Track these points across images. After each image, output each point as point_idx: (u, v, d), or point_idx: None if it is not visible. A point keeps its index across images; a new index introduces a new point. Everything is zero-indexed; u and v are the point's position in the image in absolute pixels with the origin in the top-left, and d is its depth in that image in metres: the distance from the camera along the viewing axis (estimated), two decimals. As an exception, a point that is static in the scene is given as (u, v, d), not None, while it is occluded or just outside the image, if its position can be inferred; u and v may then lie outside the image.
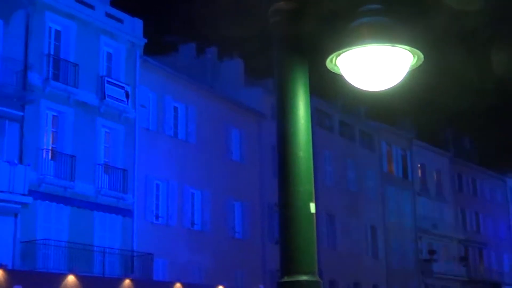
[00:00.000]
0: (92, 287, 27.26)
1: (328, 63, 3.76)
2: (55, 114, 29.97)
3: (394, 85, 3.81)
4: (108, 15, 33.04)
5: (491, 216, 63.77)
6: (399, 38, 3.62)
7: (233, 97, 39.32)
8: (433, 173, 57.15)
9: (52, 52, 30.32)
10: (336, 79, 3.90)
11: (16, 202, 26.76)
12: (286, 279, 3.70)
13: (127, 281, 29.01)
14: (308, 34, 3.87)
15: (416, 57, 3.73)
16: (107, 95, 31.54)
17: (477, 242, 60.47)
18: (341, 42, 3.64)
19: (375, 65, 3.62)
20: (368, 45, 3.59)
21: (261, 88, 40.64)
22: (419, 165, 55.38)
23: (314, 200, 3.76)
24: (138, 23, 34.40)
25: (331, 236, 43.56)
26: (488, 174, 64.65)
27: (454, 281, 55.23)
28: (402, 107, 49.32)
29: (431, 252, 53.15)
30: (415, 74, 4.03)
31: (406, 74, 3.80)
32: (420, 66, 3.83)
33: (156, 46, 39.43)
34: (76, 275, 26.82)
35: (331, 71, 3.84)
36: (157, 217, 33.90)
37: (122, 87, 32.34)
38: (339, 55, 3.69)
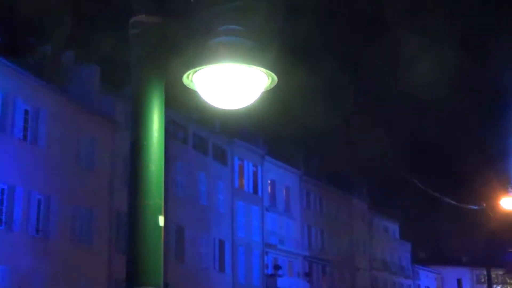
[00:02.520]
0: None
1: (185, 79, 3.80)
2: None
3: (247, 105, 3.91)
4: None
5: (335, 234, 65.79)
6: (256, 59, 3.71)
7: (87, 103, 38.57)
8: (282, 189, 58.34)
9: None
10: (193, 92, 3.95)
11: None
12: (131, 290, 3.70)
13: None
14: (167, 48, 3.90)
15: (270, 78, 3.84)
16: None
17: (321, 259, 62.19)
18: (198, 59, 3.69)
19: (230, 84, 3.70)
20: (225, 63, 3.66)
21: (117, 96, 40.10)
22: (269, 181, 56.38)
23: (163, 213, 3.79)
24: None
25: (179, 248, 43.45)
26: (335, 193, 66.75)
27: (297, 296, 56.53)
28: (255, 123, 50.17)
29: (277, 267, 54.16)
30: (271, 92, 4.15)
31: (260, 94, 3.90)
32: (273, 87, 3.95)
33: (12, 47, 38.13)
34: None
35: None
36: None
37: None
38: (195, 71, 3.75)
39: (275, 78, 3.84)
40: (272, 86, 3.91)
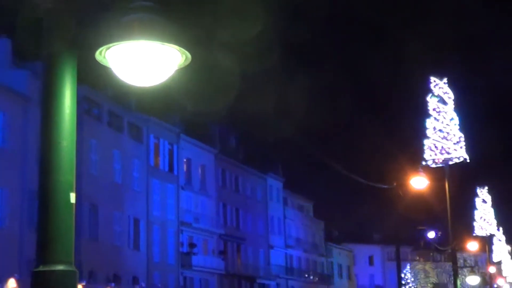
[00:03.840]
0: None
1: (97, 56, 3.77)
2: None
3: (161, 82, 3.90)
4: None
5: (251, 212, 66.32)
6: (169, 36, 3.71)
7: (-2, 78, 37.54)
8: (198, 168, 58.31)
9: None
10: (107, 69, 3.92)
11: None
12: (41, 268, 3.67)
13: None
14: (80, 23, 3.86)
15: (184, 56, 3.84)
16: None
17: (236, 237, 62.59)
18: (111, 35, 3.66)
19: (144, 61, 3.69)
20: (138, 40, 3.65)
21: (29, 70, 39.15)
22: (185, 160, 56.24)
23: (74, 190, 3.76)
24: None
25: (93, 227, 42.93)
26: (251, 172, 67.17)
27: (212, 274, 56.75)
28: (172, 101, 49.84)
29: (192, 245, 54.25)
30: (186, 69, 4.15)
31: (174, 72, 3.91)
32: (187, 65, 3.96)
33: None
34: None
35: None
36: None
37: None
38: (108, 48, 3.72)
39: (189, 56, 3.85)
40: (186, 64, 3.92)
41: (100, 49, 3.73)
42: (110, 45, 3.69)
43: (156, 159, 52.27)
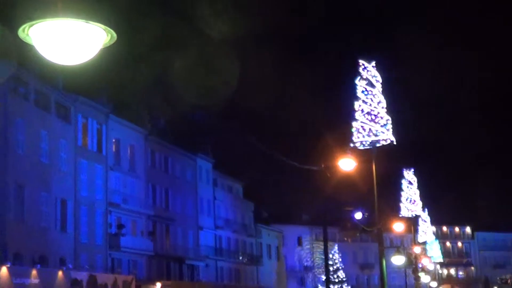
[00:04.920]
0: None
1: (20, 33, 3.71)
2: None
3: (86, 61, 3.86)
4: None
5: (180, 193, 66.18)
6: (94, 15, 3.67)
7: None
8: (127, 148, 57.81)
9: None
10: (32, 46, 3.85)
11: None
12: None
13: None
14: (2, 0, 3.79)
15: (109, 35, 3.81)
16: None
17: (165, 218, 62.40)
18: (34, 12, 3.60)
19: (68, 40, 3.64)
20: (62, 18, 3.60)
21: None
22: (114, 140, 55.68)
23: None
24: None
25: (18, 208, 42.18)
26: (180, 153, 66.98)
27: (141, 255, 56.48)
28: (101, 80, 49.19)
29: (120, 226, 53.86)
30: (116, 48, 4.11)
31: (99, 51, 3.87)
32: (113, 44, 3.92)
33: None
34: None
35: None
36: None
37: None
38: (31, 25, 3.66)
39: (114, 35, 3.82)
40: (111, 43, 3.88)
41: (23, 26, 3.67)
42: (33, 22, 3.63)
43: (85, 139, 51.57)
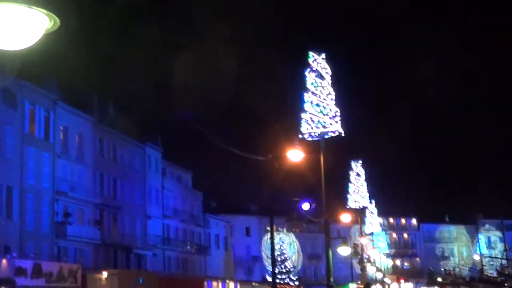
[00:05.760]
0: None
1: (-40, 16, 3.67)
2: None
3: (29, 46, 3.84)
4: None
5: (128, 182, 65.76)
6: (37, 0, 3.65)
7: None
8: (75, 136, 57.18)
9: None
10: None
11: None
12: None
13: None
14: None
15: (52, 21, 3.79)
16: None
17: (113, 206, 61.96)
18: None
19: (9, 25, 3.62)
20: (3, 3, 3.57)
21: None
22: (62, 128, 54.99)
23: None
24: None
25: (-37, 194, 41.53)
26: (129, 142, 66.52)
27: (88, 244, 56.02)
28: (49, 67, 48.56)
29: (67, 214, 53.32)
30: (65, 35, 4.09)
31: (42, 36, 3.84)
32: (57, 30, 3.90)
33: None
34: None
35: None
36: None
37: None
38: (-28, 9, 3.62)
39: (58, 21, 3.80)
40: (55, 28, 3.86)
41: (-37, 9, 3.63)
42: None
43: (32, 126, 50.87)
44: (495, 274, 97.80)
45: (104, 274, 45.86)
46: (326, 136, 35.27)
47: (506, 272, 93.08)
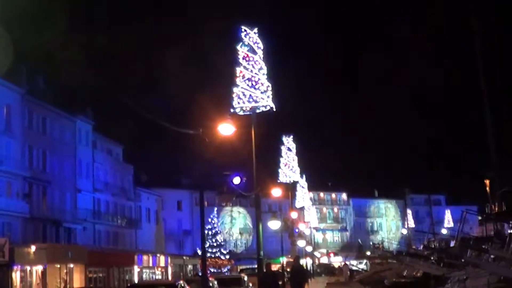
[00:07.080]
0: None
1: None
2: None
3: None
4: None
5: (58, 155, 64.84)
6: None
7: None
8: (3, 108, 56.03)
9: None
10: None
11: None
12: None
13: None
14: None
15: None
16: None
17: (42, 180, 61.06)
18: None
19: None
20: None
21: None
22: (-11, 99, 53.87)
23: None
24: None
25: None
26: (59, 114, 65.49)
27: (16, 217, 55.19)
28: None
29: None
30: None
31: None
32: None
33: None
34: None
35: None
36: None
37: None
38: None
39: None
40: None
41: None
42: None
43: (-43, 97, 49.66)
44: (421, 248, 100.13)
45: (33, 248, 45.36)
46: (257, 111, 35.38)
47: (433, 246, 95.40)
